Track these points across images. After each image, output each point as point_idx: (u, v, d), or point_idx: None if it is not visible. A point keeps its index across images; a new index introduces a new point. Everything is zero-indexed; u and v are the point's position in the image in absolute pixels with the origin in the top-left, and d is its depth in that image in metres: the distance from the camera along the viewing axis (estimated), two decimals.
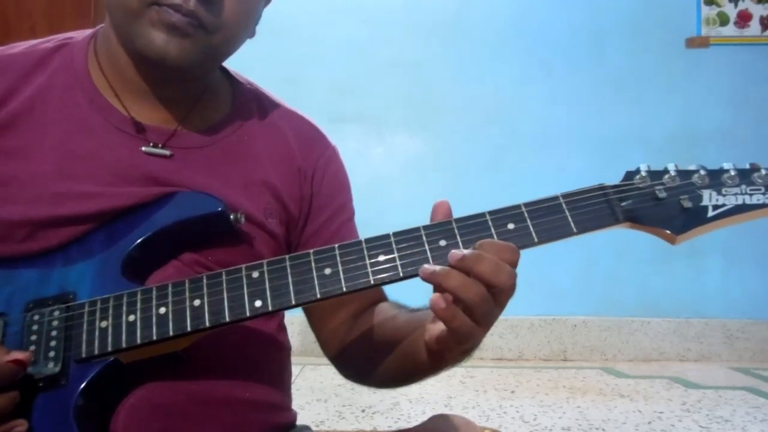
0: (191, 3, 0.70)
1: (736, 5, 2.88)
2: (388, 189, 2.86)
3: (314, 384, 2.30)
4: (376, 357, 0.80)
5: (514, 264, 0.61)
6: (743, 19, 2.88)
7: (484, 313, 0.61)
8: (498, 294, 0.61)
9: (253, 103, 0.87)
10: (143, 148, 0.76)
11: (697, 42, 2.86)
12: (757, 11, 2.89)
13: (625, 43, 2.88)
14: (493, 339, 2.76)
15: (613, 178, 0.71)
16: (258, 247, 0.78)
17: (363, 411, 2.06)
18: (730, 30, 2.88)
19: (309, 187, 0.86)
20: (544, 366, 2.71)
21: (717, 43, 2.87)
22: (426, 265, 0.61)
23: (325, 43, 2.89)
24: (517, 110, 2.89)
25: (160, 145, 0.77)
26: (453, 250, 0.61)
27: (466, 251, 0.60)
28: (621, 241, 2.77)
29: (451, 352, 0.65)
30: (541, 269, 2.71)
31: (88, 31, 0.84)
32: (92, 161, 0.74)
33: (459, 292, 0.59)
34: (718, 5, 2.88)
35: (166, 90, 0.79)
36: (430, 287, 0.64)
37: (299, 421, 0.88)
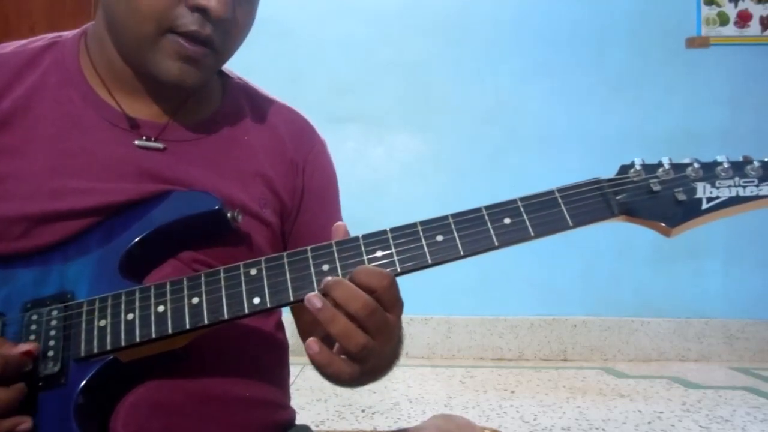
0: (207, 29, 0.72)
1: (736, 5, 2.88)
2: (388, 189, 2.87)
3: (314, 384, 2.30)
4: None
5: (372, 290, 0.59)
6: (743, 19, 2.88)
7: (358, 345, 0.59)
8: (363, 323, 0.59)
9: (243, 97, 0.88)
10: (136, 142, 0.77)
11: (697, 42, 2.86)
12: (757, 11, 2.89)
13: (625, 43, 2.88)
14: (493, 339, 2.76)
15: None
16: (255, 240, 0.78)
17: (363, 411, 2.06)
18: (730, 30, 2.88)
19: (301, 179, 0.87)
20: (544, 366, 2.71)
21: (717, 43, 2.87)
22: (311, 296, 0.60)
23: (325, 43, 2.89)
24: (517, 110, 2.89)
25: (153, 139, 0.77)
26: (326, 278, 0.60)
27: (328, 278, 0.60)
28: (621, 241, 2.77)
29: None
30: (541, 269, 2.71)
31: (76, 30, 0.84)
32: (86, 157, 0.74)
33: (327, 325, 0.59)
34: (718, 5, 2.88)
35: (159, 87, 0.79)
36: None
37: (299, 421, 0.88)
